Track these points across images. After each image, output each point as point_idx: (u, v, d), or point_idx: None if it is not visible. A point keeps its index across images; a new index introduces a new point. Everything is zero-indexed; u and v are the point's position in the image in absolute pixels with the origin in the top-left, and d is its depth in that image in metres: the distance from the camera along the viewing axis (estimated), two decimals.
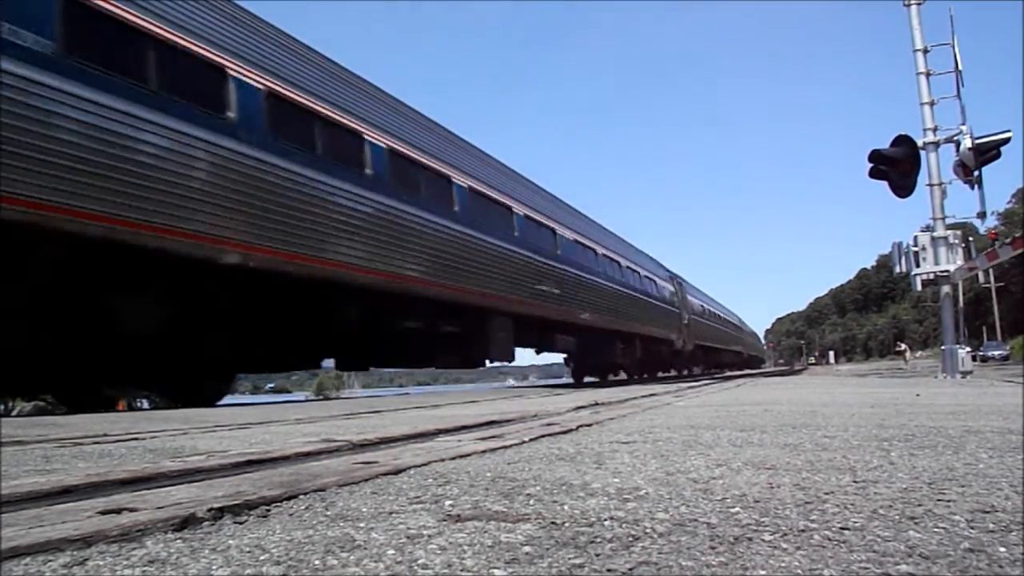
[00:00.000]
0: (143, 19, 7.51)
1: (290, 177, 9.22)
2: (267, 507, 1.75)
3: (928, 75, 15.13)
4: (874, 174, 14.68)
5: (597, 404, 7.11)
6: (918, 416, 4.21)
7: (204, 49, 8.22)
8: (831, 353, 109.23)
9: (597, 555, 1.25)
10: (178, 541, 1.41)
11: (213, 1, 8.57)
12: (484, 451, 2.89)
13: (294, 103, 9.52)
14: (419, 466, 2.45)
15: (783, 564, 1.17)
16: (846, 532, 1.37)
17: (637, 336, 24.22)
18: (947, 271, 14.52)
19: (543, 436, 3.48)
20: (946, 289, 14.76)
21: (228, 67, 8.49)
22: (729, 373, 38.49)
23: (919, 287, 15.41)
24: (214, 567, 1.23)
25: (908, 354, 36.97)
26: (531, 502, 1.77)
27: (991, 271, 42.68)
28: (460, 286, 12.84)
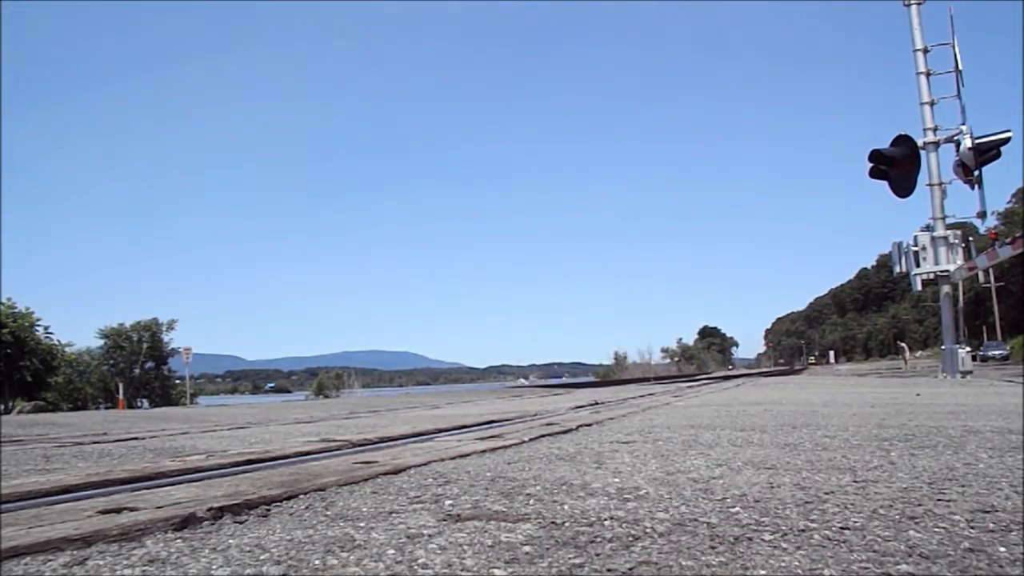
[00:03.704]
0: None
1: None
2: (267, 507, 1.75)
3: (928, 75, 15.12)
4: (874, 174, 14.68)
5: (597, 404, 7.12)
6: (918, 416, 4.21)
7: None
8: (831, 353, 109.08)
9: (597, 555, 1.25)
10: (178, 541, 1.41)
11: None
12: (484, 451, 2.89)
13: None
14: (419, 466, 2.45)
15: (783, 564, 1.17)
16: (846, 532, 1.37)
17: None
18: (947, 271, 14.53)
19: (543, 436, 3.48)
20: (946, 289, 14.75)
21: None
22: (729, 373, 38.42)
23: (919, 287, 15.41)
24: (214, 567, 1.23)
25: (907, 354, 36.82)
26: (531, 502, 1.77)
27: (991, 271, 42.69)
28: None
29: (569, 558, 1.23)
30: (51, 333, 25.87)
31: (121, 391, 26.51)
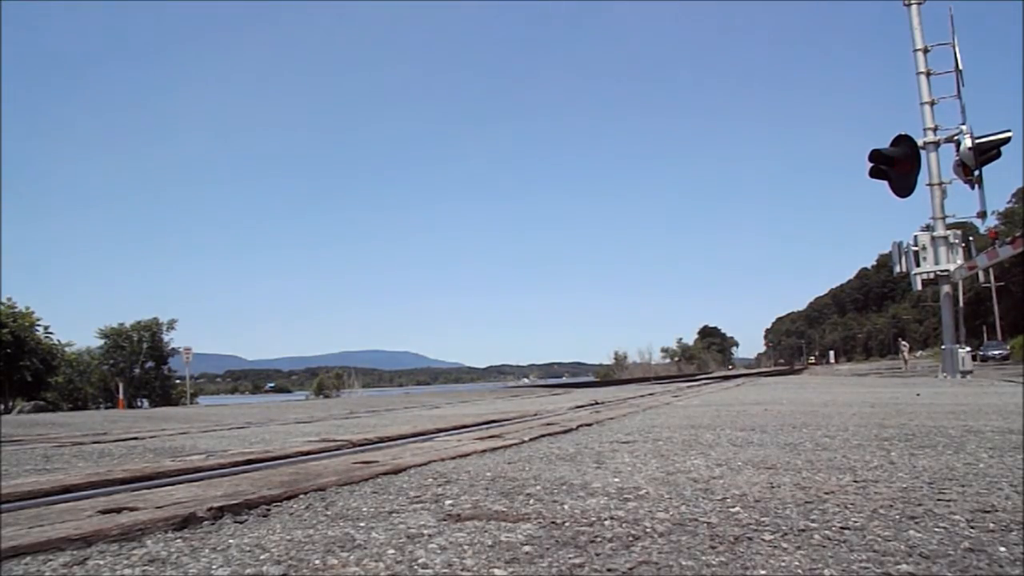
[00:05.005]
0: None
1: None
2: (267, 506, 1.75)
3: (928, 75, 15.12)
4: (874, 174, 14.67)
5: (597, 403, 7.12)
6: (918, 416, 4.20)
7: None
8: (831, 353, 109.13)
9: (597, 555, 1.25)
10: (178, 540, 1.41)
11: None
12: (484, 451, 2.89)
13: None
14: (419, 465, 2.45)
15: (783, 564, 1.17)
16: (846, 532, 1.37)
17: None
18: (947, 270, 14.53)
19: (543, 436, 3.48)
20: (946, 289, 14.75)
21: None
22: (729, 373, 38.39)
23: (919, 286, 15.40)
24: (214, 566, 1.23)
25: (907, 353, 36.73)
26: (531, 502, 1.77)
27: (991, 271, 42.61)
28: None
29: (569, 558, 1.23)
30: (51, 333, 25.88)
31: (121, 391, 26.50)
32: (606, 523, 1.50)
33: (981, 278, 17.87)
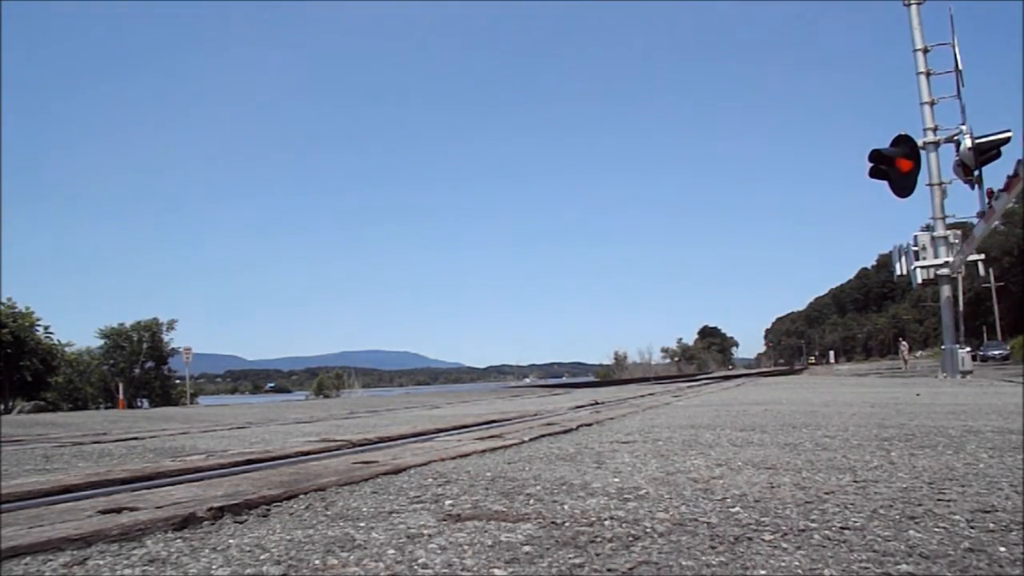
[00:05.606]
0: None
1: None
2: (267, 506, 1.75)
3: (928, 75, 15.12)
4: (874, 174, 14.66)
5: (597, 404, 7.12)
6: (918, 416, 4.20)
7: None
8: (831, 353, 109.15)
9: (597, 555, 1.25)
10: (178, 540, 1.41)
11: None
12: (484, 451, 2.89)
13: None
14: (419, 465, 2.45)
15: (783, 564, 1.17)
16: (846, 532, 1.37)
17: None
18: (946, 262, 14.53)
19: (543, 436, 3.48)
20: (947, 292, 14.75)
21: None
22: (729, 373, 38.41)
23: (919, 280, 15.38)
24: (214, 566, 1.23)
25: (906, 353, 36.68)
26: (531, 502, 1.77)
27: (991, 271, 42.57)
28: None
29: (569, 558, 1.23)
30: (51, 333, 25.89)
31: (121, 391, 26.50)
32: (606, 523, 1.50)
33: (981, 271, 17.77)
